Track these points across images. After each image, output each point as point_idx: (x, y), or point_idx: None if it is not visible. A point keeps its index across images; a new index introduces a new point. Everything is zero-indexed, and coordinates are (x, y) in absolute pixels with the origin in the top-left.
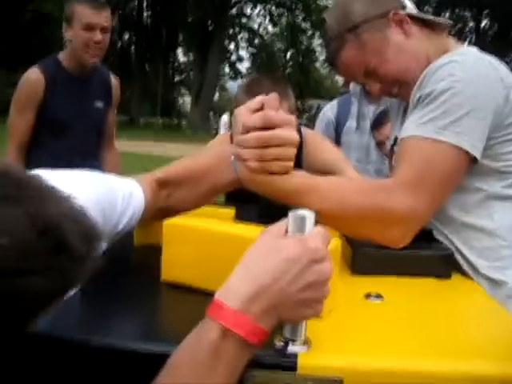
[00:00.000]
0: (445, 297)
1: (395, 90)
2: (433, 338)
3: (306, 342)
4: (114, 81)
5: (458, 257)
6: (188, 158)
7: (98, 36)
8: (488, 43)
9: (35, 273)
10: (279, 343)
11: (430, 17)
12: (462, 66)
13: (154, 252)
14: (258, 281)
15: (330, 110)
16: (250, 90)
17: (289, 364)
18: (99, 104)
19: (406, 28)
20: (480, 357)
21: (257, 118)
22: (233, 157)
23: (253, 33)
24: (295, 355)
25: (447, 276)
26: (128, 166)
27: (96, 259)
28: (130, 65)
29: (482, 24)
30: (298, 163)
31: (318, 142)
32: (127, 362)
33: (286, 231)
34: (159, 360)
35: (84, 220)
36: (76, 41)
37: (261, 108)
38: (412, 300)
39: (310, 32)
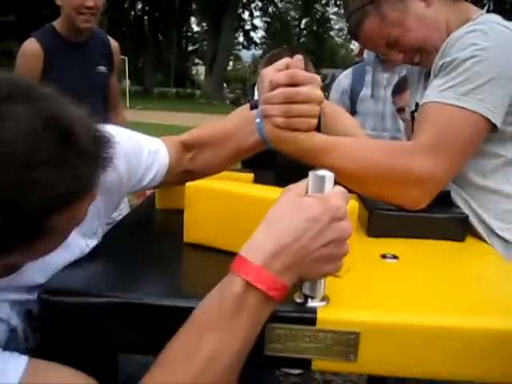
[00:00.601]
0: (459, 258)
1: (417, 59)
2: (446, 295)
3: (325, 299)
4: (114, 43)
5: (474, 219)
6: (212, 122)
7: (90, 1)
8: (506, 10)
9: (44, 165)
10: (299, 299)
11: None
12: (485, 34)
13: (175, 215)
14: (280, 239)
15: (344, 78)
16: (271, 64)
17: (309, 318)
18: (101, 68)
19: None
20: (492, 312)
21: (283, 75)
22: (257, 119)
23: (267, 1)
24: (315, 310)
25: (462, 239)
26: None
27: (106, 163)
28: (144, 34)
29: None
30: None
31: (335, 113)
32: (153, 316)
33: (306, 191)
34: (184, 314)
35: (92, 124)
36: (67, 6)
37: (286, 68)
38: (427, 261)
39: (324, 0)
